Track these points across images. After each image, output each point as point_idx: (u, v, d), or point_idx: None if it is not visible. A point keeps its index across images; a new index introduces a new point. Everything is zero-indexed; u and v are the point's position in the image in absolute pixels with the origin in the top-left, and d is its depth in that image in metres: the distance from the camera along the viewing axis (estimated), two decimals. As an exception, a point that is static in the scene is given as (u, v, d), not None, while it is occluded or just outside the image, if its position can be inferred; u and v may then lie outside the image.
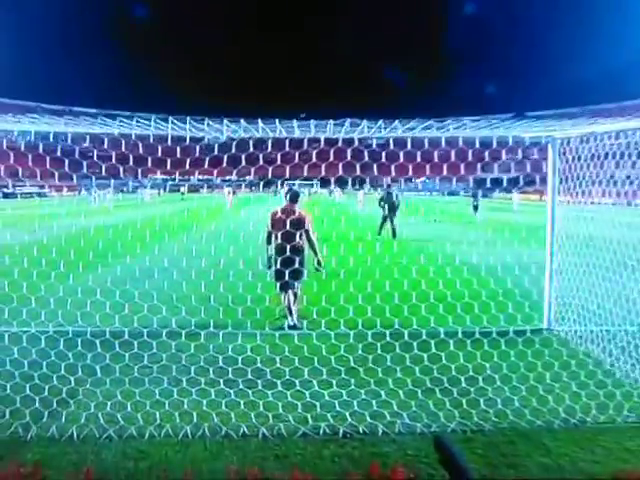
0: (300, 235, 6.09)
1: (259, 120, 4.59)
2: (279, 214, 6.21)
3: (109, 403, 3.99)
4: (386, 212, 16.26)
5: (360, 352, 4.96)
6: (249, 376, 4.39)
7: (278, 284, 6.16)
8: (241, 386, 4.31)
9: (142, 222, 16.76)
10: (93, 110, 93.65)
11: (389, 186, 17.58)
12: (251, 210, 24.94)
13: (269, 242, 6.21)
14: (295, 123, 4.71)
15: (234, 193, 34.55)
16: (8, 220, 17.61)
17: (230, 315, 5.96)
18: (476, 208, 25.54)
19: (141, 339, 4.86)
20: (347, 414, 3.91)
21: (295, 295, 6.28)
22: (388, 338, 4.84)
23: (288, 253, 5.69)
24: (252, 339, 5.36)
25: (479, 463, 3.39)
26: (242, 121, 4.48)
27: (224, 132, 4.82)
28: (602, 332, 5.61)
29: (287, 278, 5.76)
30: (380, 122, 4.75)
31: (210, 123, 4.54)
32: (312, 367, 4.50)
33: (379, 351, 4.70)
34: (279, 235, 5.95)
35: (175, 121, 4.44)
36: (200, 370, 4.53)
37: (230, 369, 4.51)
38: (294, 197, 6.37)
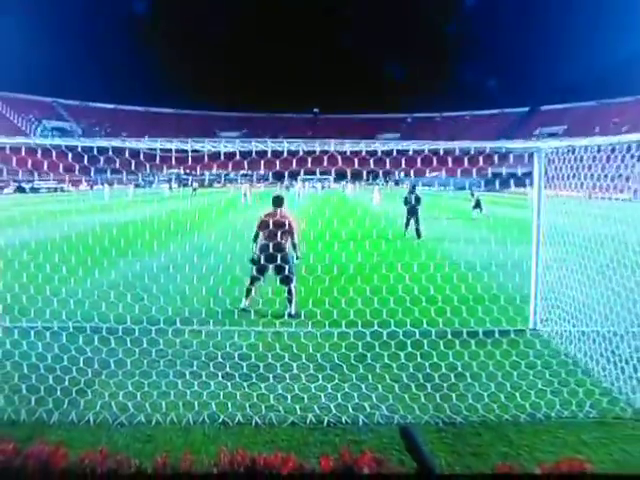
0: (282, 235, 6.82)
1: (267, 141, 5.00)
2: (264, 217, 7.04)
3: (121, 393, 4.49)
4: (411, 210, 16.02)
5: (344, 350, 5.45)
6: (244, 370, 4.89)
7: (254, 276, 7.07)
8: (237, 379, 4.80)
9: (159, 219, 17.29)
10: (110, 105, 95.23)
11: (414, 187, 16.92)
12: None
13: (255, 241, 7.05)
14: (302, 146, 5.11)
15: (250, 188, 34.10)
16: (40, 216, 18.38)
17: (227, 315, 6.51)
18: (478, 205, 23.50)
19: (149, 336, 5.38)
20: (332, 406, 4.36)
21: (290, 291, 7.05)
22: (369, 338, 5.31)
23: (271, 251, 6.57)
24: (247, 337, 5.88)
25: (445, 451, 3.81)
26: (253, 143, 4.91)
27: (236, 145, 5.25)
28: (579, 333, 5.93)
29: (267, 273, 6.88)
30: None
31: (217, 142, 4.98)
32: (300, 363, 5.01)
33: (360, 349, 5.18)
34: (263, 235, 6.91)
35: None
36: (201, 364, 5.03)
37: (228, 364, 5.02)
38: (277, 202, 7.17)
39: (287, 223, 6.88)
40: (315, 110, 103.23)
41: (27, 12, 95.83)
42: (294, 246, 7.03)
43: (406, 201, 16.38)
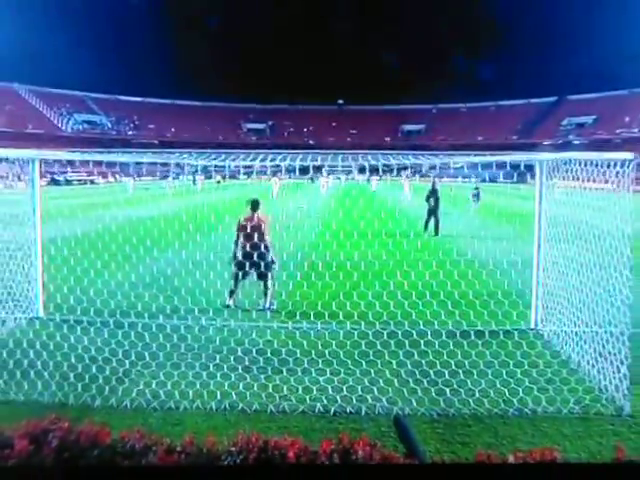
0: (258, 237, 7.52)
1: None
2: (242, 221, 7.75)
3: (154, 382, 5.13)
4: (432, 206, 16.47)
5: (348, 347, 6.01)
6: (261, 364, 5.51)
7: (236, 275, 7.77)
8: (255, 372, 5.41)
9: (182, 214, 18.06)
10: (138, 99, 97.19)
11: (435, 189, 17.02)
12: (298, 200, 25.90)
13: (236, 244, 7.77)
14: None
15: (279, 182, 33.88)
16: (73, 210, 19.34)
17: (246, 314, 7.19)
18: (477, 196, 23.79)
19: (179, 333, 6.06)
20: (338, 397, 4.91)
21: (266, 284, 7.80)
22: (371, 337, 5.85)
23: (248, 249, 7.36)
24: (264, 334, 6.52)
25: (436, 440, 4.32)
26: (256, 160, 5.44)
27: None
28: (572, 333, 6.26)
29: (246, 269, 7.54)
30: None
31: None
32: (310, 358, 5.62)
33: (363, 346, 5.74)
34: (242, 237, 7.61)
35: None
36: (223, 358, 5.65)
37: (247, 358, 5.64)
38: (254, 206, 7.88)
39: (262, 226, 7.65)
40: (340, 101, 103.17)
41: (60, 13, 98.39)
42: (267, 249, 7.71)
43: (428, 199, 16.81)
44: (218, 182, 41.85)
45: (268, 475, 3.14)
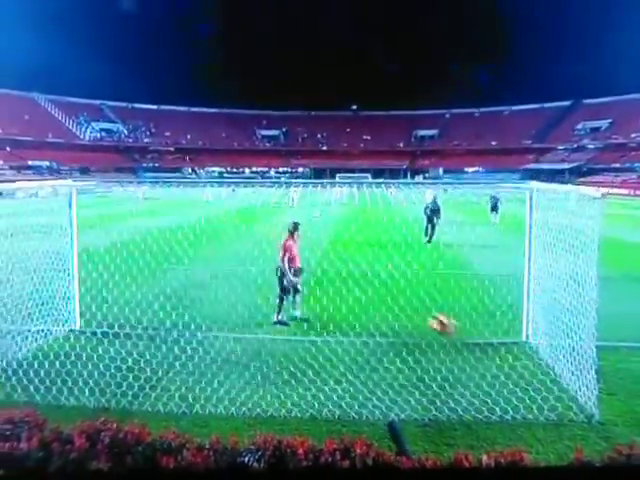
0: (299, 255, 8.59)
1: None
2: (288, 241, 8.47)
3: (183, 388, 5.93)
4: (429, 217, 17.54)
5: (352, 356, 6.75)
6: (276, 373, 6.29)
7: (283, 291, 8.51)
8: (271, 380, 6.19)
9: (201, 225, 18.96)
10: (154, 106, 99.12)
11: (435, 201, 17.92)
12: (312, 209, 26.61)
13: (282, 261, 8.41)
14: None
15: (298, 191, 34.19)
16: (94, 222, 20.29)
17: (261, 326, 7.94)
18: (495, 207, 21.90)
19: (204, 345, 6.86)
20: (343, 403, 5.65)
21: (298, 299, 8.71)
22: (372, 345, 6.60)
23: (296, 267, 8.40)
24: (276, 345, 7.30)
25: (425, 441, 5.02)
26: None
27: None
28: (558, 346, 6.85)
29: (297, 287, 8.50)
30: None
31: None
32: (316, 369, 6.38)
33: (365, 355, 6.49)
34: (287, 258, 8.34)
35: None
36: (243, 368, 6.44)
37: (264, 367, 6.43)
38: (296, 227, 8.68)
39: (299, 245, 8.68)
40: (353, 107, 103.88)
41: (77, 24, 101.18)
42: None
43: (425, 211, 17.78)
44: (234, 190, 42.95)
45: (281, 470, 3.91)
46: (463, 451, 4.73)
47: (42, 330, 7.44)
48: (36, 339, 7.29)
